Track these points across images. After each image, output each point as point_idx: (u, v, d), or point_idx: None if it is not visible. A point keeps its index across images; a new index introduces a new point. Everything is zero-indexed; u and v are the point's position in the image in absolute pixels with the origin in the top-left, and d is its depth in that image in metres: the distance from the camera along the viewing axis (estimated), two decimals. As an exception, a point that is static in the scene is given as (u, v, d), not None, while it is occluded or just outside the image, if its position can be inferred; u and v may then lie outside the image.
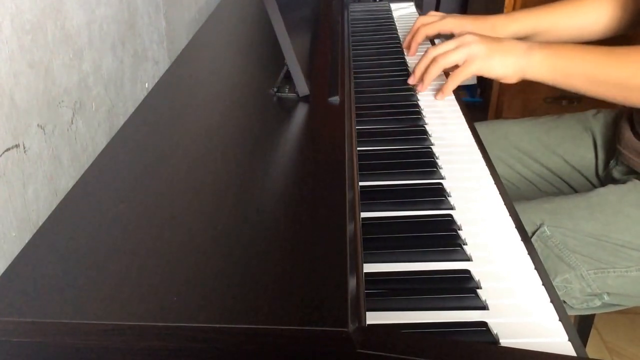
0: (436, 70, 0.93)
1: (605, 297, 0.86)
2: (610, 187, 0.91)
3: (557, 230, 0.85)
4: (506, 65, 0.88)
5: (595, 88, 0.87)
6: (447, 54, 0.91)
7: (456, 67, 0.93)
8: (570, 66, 0.86)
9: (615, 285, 0.85)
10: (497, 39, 0.91)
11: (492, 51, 0.89)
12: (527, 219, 0.86)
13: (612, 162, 1.00)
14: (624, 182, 0.93)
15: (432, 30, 1.11)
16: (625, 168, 0.97)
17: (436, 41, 1.18)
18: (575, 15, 1.06)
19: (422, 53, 1.10)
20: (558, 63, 0.87)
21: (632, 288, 0.86)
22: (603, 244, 0.84)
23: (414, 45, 1.13)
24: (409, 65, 1.08)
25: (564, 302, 0.85)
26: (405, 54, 1.13)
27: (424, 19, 1.13)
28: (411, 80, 0.99)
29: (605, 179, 1.02)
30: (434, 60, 0.93)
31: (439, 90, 0.96)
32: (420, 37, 1.11)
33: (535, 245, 0.85)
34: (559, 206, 0.88)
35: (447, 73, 0.98)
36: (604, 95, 0.88)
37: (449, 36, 1.08)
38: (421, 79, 0.97)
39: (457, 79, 0.92)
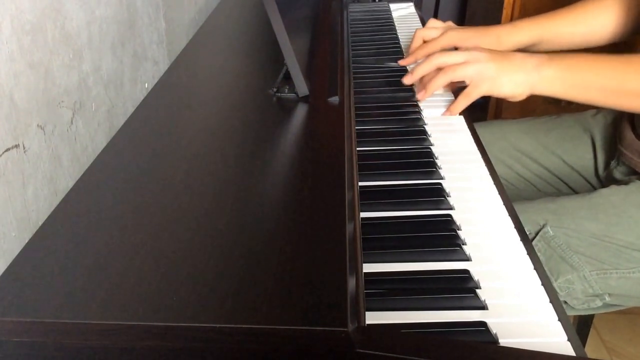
0: (443, 81, 0.88)
1: (607, 298, 0.86)
2: (613, 188, 0.91)
3: (560, 230, 0.85)
4: (516, 84, 0.84)
5: (614, 100, 0.84)
6: (457, 67, 0.86)
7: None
8: (586, 79, 0.83)
9: (617, 286, 0.85)
10: (505, 55, 0.87)
11: (501, 70, 0.85)
12: (530, 219, 0.86)
13: (612, 162, 1.00)
14: (625, 182, 0.93)
15: (433, 49, 1.04)
16: (627, 169, 0.97)
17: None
18: (579, 22, 1.04)
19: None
20: (573, 76, 0.83)
21: (634, 289, 0.86)
22: (606, 244, 0.84)
23: (411, 59, 1.06)
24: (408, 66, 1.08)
25: (565, 302, 0.86)
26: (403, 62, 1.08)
27: (425, 33, 1.07)
28: (407, 80, 0.95)
29: (606, 180, 1.02)
30: (442, 70, 0.88)
31: (446, 109, 0.92)
32: (421, 56, 1.04)
33: (539, 245, 0.85)
34: (562, 207, 0.88)
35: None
36: (624, 106, 0.86)
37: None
38: (422, 85, 0.92)
39: (467, 100, 0.88)
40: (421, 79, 0.94)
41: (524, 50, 1.05)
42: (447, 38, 1.04)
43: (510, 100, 0.87)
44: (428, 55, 0.93)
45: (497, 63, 0.85)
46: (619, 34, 1.03)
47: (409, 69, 1.07)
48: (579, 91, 0.84)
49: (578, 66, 0.84)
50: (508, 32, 1.04)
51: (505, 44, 1.03)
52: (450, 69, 0.87)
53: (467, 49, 0.88)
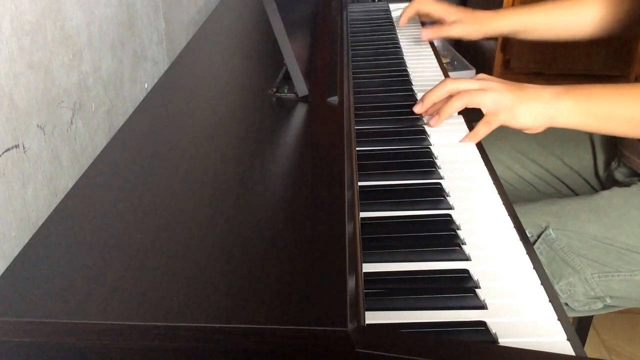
0: (459, 105, 0.83)
1: (608, 300, 0.86)
2: (615, 190, 0.91)
3: (563, 233, 0.85)
4: (534, 115, 0.80)
5: (632, 128, 0.82)
6: (473, 93, 0.82)
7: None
8: (606, 109, 0.81)
9: (619, 288, 0.85)
10: (519, 86, 0.83)
11: (518, 100, 0.81)
12: (531, 222, 0.86)
13: (613, 163, 1.00)
14: (627, 184, 0.93)
15: (424, 8, 1.18)
16: (628, 170, 0.97)
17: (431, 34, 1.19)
18: (566, 13, 1.05)
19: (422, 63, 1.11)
20: (591, 107, 0.80)
21: (636, 291, 0.86)
22: (608, 247, 0.84)
23: (404, 18, 1.21)
24: (408, 66, 1.09)
25: (566, 304, 0.86)
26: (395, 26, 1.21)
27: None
28: (417, 109, 0.89)
29: (606, 181, 1.02)
30: (457, 95, 0.83)
31: (465, 136, 0.86)
32: (411, 10, 1.18)
33: (540, 248, 0.85)
34: (564, 209, 0.88)
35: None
36: None
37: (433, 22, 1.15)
38: (433, 111, 0.88)
39: (489, 128, 0.83)
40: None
41: (505, 37, 1.12)
42: (434, 6, 1.15)
43: (527, 132, 0.83)
44: (439, 83, 0.88)
45: (513, 93, 0.81)
46: (607, 29, 1.04)
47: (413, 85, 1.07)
48: (598, 121, 0.81)
49: (595, 96, 0.81)
50: (490, 19, 1.09)
51: (484, 28, 1.09)
52: (466, 93, 0.82)
53: (479, 78, 0.84)
